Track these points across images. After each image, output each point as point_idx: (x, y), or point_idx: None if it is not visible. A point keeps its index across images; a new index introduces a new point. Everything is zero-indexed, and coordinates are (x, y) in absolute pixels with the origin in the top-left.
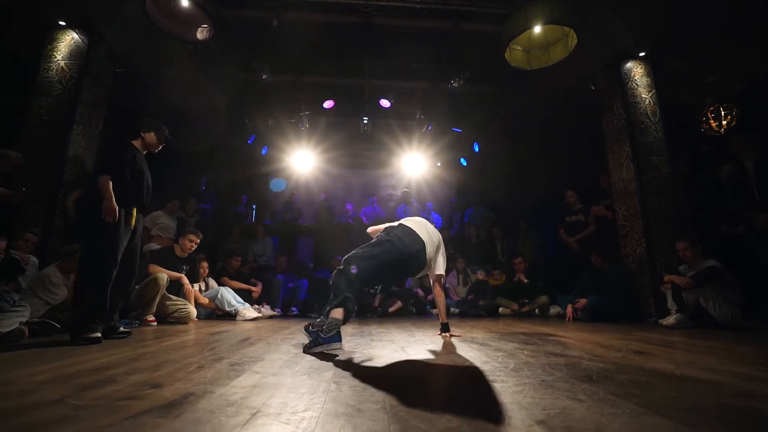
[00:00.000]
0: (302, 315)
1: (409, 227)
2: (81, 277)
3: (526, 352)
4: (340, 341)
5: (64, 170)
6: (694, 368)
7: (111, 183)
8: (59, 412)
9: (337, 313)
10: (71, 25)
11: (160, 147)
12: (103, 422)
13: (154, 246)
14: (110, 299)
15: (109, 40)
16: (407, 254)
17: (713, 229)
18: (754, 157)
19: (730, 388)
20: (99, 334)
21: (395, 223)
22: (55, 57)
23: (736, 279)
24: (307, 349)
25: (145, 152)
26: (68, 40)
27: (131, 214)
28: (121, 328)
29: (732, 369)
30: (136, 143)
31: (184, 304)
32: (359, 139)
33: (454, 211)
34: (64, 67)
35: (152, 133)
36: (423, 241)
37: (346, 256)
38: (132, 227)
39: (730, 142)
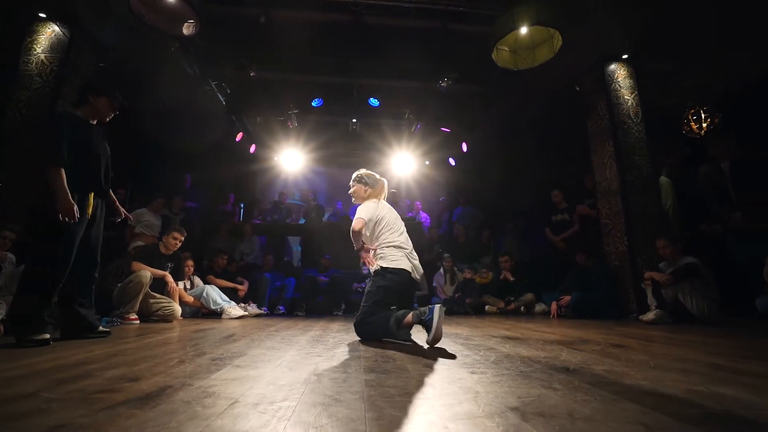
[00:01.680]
0: (289, 314)
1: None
2: (26, 275)
3: (507, 347)
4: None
5: None
6: (668, 359)
7: (62, 174)
8: (32, 404)
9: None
10: (52, 18)
11: (113, 114)
12: (76, 413)
13: (139, 243)
14: (76, 293)
15: (93, 33)
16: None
17: (692, 227)
18: (730, 159)
19: (700, 376)
20: (47, 335)
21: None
22: (35, 50)
23: (713, 276)
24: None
25: (95, 122)
26: (49, 32)
27: (86, 201)
28: (101, 327)
29: (704, 360)
30: (83, 111)
31: (168, 302)
32: (348, 138)
33: (443, 211)
34: (45, 61)
35: (103, 98)
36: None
37: None
38: (88, 215)
39: (707, 143)
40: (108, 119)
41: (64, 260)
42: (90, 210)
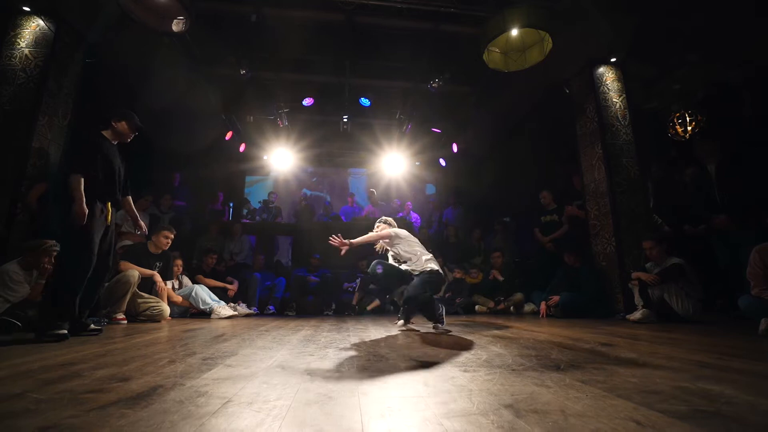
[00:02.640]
0: (279, 313)
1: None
2: (57, 274)
3: (498, 346)
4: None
5: (28, 163)
6: (655, 357)
7: (82, 182)
8: (19, 405)
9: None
10: (36, 12)
11: (133, 136)
12: (65, 414)
13: (126, 242)
14: (82, 297)
15: (80, 29)
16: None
17: (678, 228)
18: (716, 161)
19: (687, 373)
20: (66, 331)
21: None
22: (19, 44)
23: (698, 276)
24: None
25: (116, 142)
26: (33, 27)
27: (106, 210)
28: (92, 326)
29: (690, 357)
30: (107, 134)
31: (156, 302)
32: (339, 137)
33: (433, 211)
34: (29, 55)
35: (123, 122)
36: None
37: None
38: (108, 222)
39: (693, 146)
40: (129, 140)
41: (89, 262)
42: (109, 218)
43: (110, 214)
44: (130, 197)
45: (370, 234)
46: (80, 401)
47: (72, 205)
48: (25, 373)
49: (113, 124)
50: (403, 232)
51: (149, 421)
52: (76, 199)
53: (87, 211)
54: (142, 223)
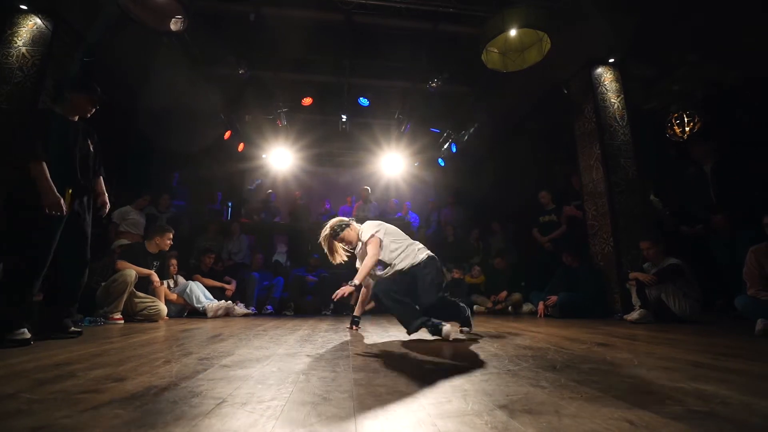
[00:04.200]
0: (277, 313)
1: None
2: (4, 272)
3: (495, 346)
4: None
5: None
6: (651, 357)
7: (44, 167)
8: (12, 405)
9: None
10: (34, 10)
11: (93, 110)
12: (59, 414)
13: (124, 241)
14: (62, 292)
15: (77, 28)
16: None
17: (675, 228)
18: (712, 161)
19: (683, 373)
20: (28, 335)
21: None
22: (16, 43)
23: (695, 276)
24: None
25: (76, 118)
26: (30, 25)
27: (63, 197)
28: (72, 328)
29: (686, 357)
30: (62, 108)
31: (153, 302)
32: (338, 137)
33: (431, 211)
34: (26, 54)
35: (82, 95)
36: None
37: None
38: (65, 211)
39: (690, 146)
40: (89, 115)
41: (44, 257)
42: (65, 206)
43: (66, 202)
44: (101, 177)
45: (366, 260)
46: (74, 401)
47: (29, 192)
48: (19, 373)
49: (68, 96)
50: (384, 228)
51: (142, 421)
52: (45, 188)
53: (61, 198)
54: (106, 200)
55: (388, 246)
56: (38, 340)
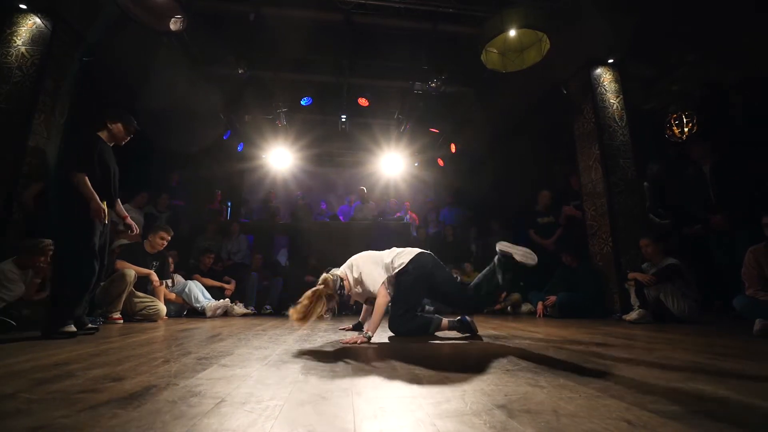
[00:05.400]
0: (276, 313)
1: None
2: (61, 274)
3: (494, 346)
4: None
5: (24, 161)
6: (650, 357)
7: (87, 179)
8: (11, 405)
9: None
10: (33, 10)
11: (128, 138)
12: (57, 414)
13: (123, 241)
14: (80, 291)
15: (77, 27)
16: None
17: (674, 228)
18: (711, 161)
19: (681, 374)
20: (74, 329)
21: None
22: (15, 42)
23: (694, 276)
24: None
25: (112, 144)
26: (30, 24)
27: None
28: (89, 324)
29: (684, 357)
30: (102, 135)
31: (152, 302)
32: (337, 137)
33: (430, 211)
34: (25, 53)
35: (119, 124)
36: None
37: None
38: (105, 221)
39: (689, 147)
40: (124, 143)
41: (91, 260)
42: (106, 218)
43: (106, 214)
44: (119, 200)
45: (377, 305)
46: (72, 401)
47: (74, 204)
48: (18, 373)
49: (108, 125)
50: (370, 257)
51: (141, 421)
52: (90, 197)
53: (103, 207)
54: (132, 223)
55: (388, 267)
56: (42, 339)
